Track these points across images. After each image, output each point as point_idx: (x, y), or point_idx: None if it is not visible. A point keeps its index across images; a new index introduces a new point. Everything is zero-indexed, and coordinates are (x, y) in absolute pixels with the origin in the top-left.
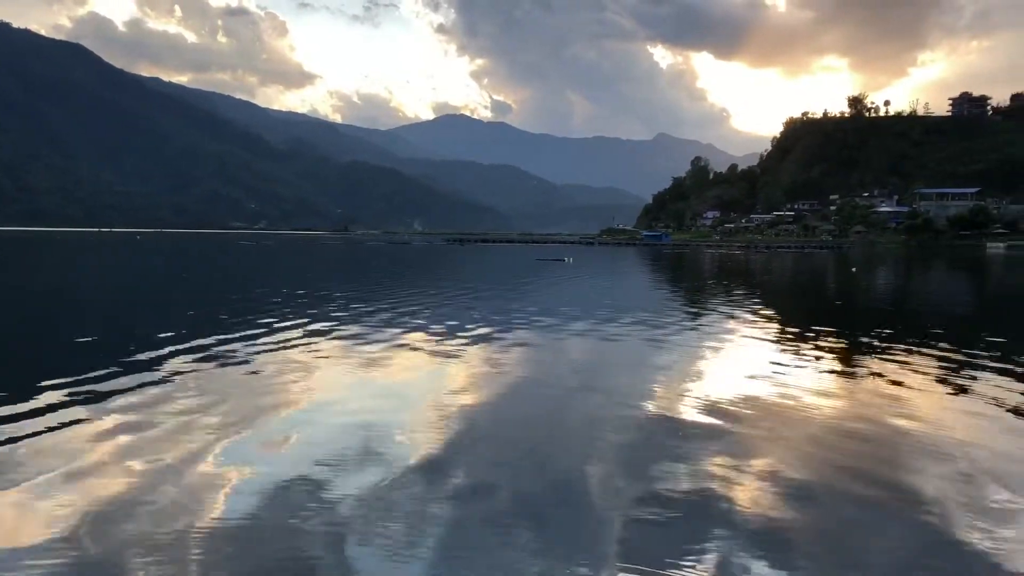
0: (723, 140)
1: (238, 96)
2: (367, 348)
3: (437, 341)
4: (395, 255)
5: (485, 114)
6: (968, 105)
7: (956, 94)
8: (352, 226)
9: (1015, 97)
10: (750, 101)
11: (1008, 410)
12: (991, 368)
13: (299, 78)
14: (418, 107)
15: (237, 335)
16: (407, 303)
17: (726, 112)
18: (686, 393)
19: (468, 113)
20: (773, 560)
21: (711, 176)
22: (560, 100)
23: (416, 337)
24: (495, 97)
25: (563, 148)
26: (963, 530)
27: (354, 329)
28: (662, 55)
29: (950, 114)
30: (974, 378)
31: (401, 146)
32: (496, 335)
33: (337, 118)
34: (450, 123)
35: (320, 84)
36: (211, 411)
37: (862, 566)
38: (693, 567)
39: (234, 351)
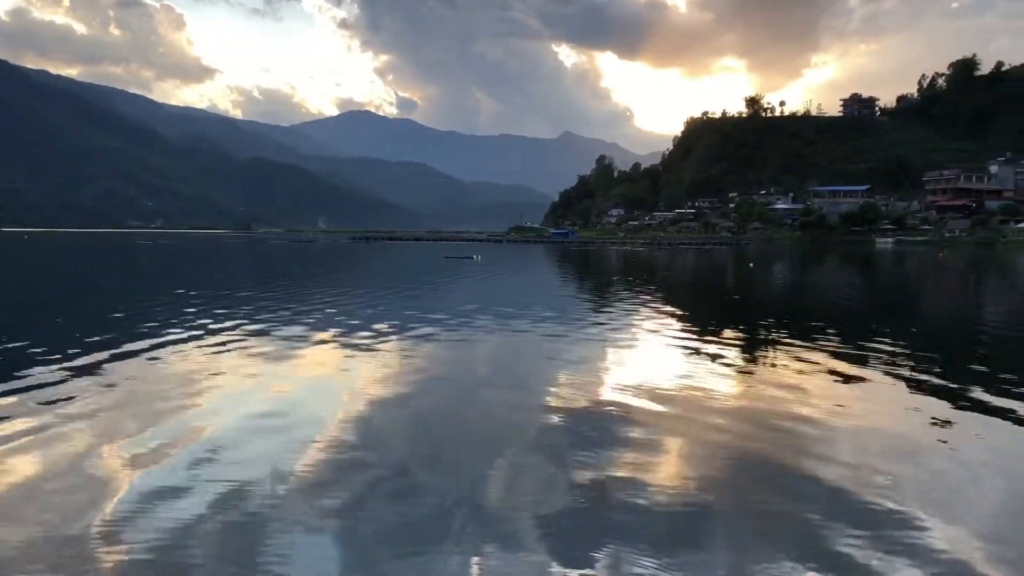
0: (627, 139)
1: (133, 91)
2: (271, 349)
3: (343, 341)
4: (299, 254)
5: (391, 111)
6: (858, 106)
7: (847, 95)
8: (254, 224)
9: (901, 98)
10: (653, 101)
11: (899, 394)
12: (881, 355)
13: (197, 72)
14: (322, 103)
15: (134, 338)
16: (311, 303)
17: (630, 111)
18: (592, 387)
19: (373, 110)
20: (677, 549)
21: (615, 174)
22: (466, 97)
23: (322, 337)
24: (401, 94)
25: (470, 145)
26: (859, 513)
27: (257, 330)
28: (567, 54)
29: (841, 114)
30: (865, 365)
31: (305, 143)
32: (403, 334)
33: (238, 114)
34: (355, 119)
35: (219, 79)
36: (105, 415)
37: (766, 553)
38: (601, 561)
39: (133, 353)
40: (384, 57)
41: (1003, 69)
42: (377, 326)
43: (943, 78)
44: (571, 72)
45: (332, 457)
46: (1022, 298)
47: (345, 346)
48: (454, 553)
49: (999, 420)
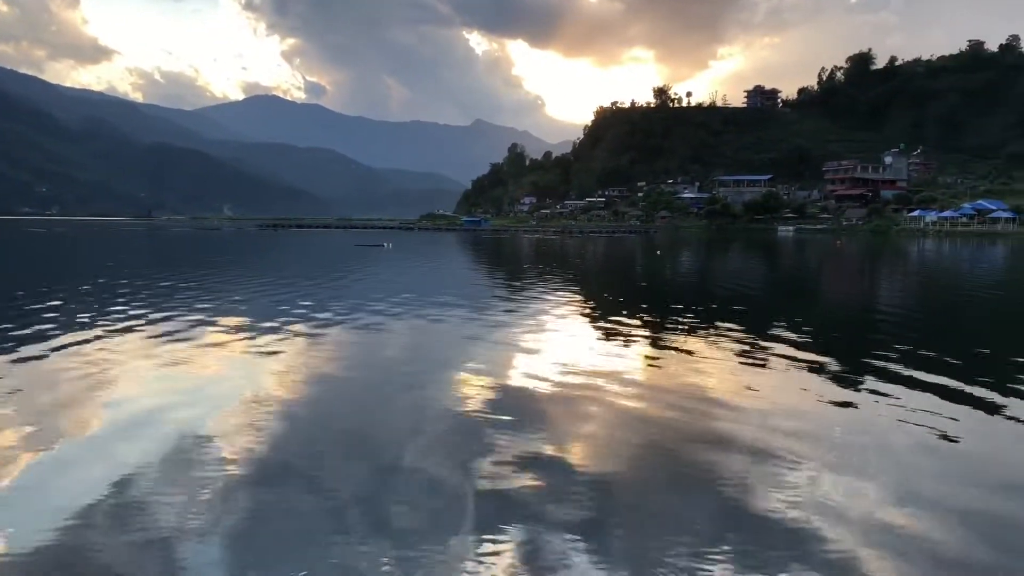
0: (538, 127)
1: (23, 71)
2: (172, 344)
3: (249, 333)
4: (203, 242)
5: (299, 95)
6: (761, 97)
7: (751, 87)
8: (156, 212)
9: (802, 91)
10: (564, 90)
11: (801, 375)
12: (784, 338)
13: (94, 53)
14: (227, 87)
15: (19, 333)
16: (214, 294)
17: (541, 100)
18: (505, 374)
19: (281, 94)
20: (583, 538)
21: (527, 163)
22: (376, 83)
23: (223, 330)
24: (309, 78)
25: (381, 132)
26: (765, 495)
27: (158, 323)
28: (478, 41)
29: (745, 105)
30: (769, 348)
31: (209, 127)
32: (309, 324)
33: (138, 97)
34: (262, 104)
35: (118, 60)
36: None
37: (676, 539)
38: (508, 552)
39: (15, 350)
40: (291, 41)
41: (896, 64)
42: (282, 316)
43: (841, 71)
44: (482, 60)
45: (228, 453)
46: (913, 282)
47: (248, 338)
48: (358, 544)
49: (895, 398)
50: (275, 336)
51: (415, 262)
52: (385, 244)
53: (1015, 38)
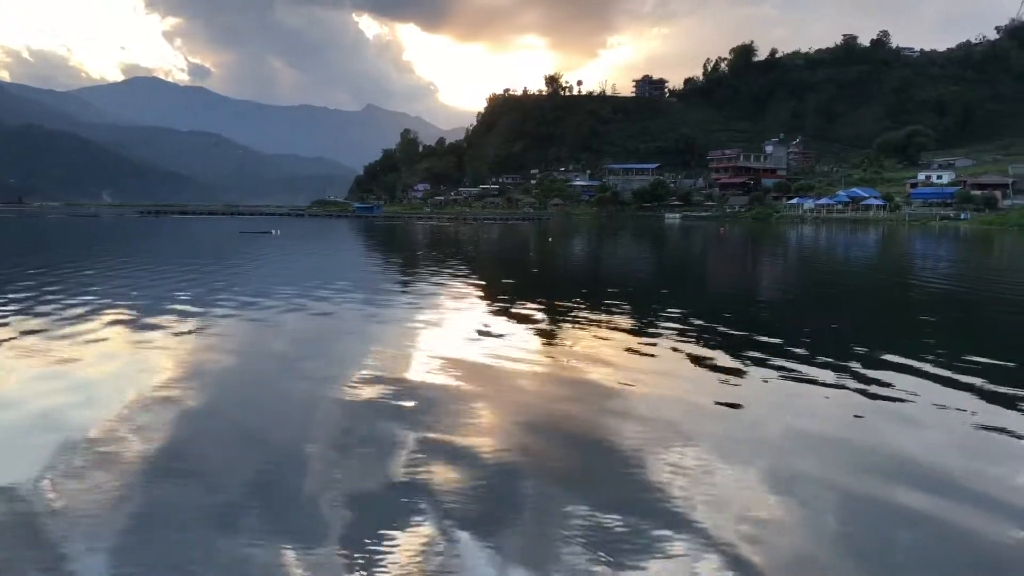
0: (431, 113)
1: None
2: (48, 340)
3: (131, 327)
4: (79, 230)
5: (182, 77)
6: (649, 87)
7: (640, 76)
8: (28, 198)
9: (688, 81)
10: (457, 75)
11: (688, 358)
12: (671, 323)
13: None
14: (104, 67)
15: None
16: (91, 286)
17: (433, 86)
18: (400, 362)
19: (162, 76)
20: (477, 529)
21: (421, 149)
22: (263, 66)
23: (104, 323)
24: (192, 60)
25: (269, 116)
26: (658, 477)
27: (33, 316)
28: (368, 24)
29: (634, 95)
30: (658, 333)
31: (85, 110)
32: (197, 317)
33: (4, 76)
34: (142, 86)
35: None
36: None
37: (566, 529)
38: (402, 543)
39: None
40: (173, 20)
41: (777, 56)
42: (165, 309)
43: (725, 63)
44: (373, 44)
45: (114, 453)
46: (791, 267)
47: (130, 332)
48: (248, 544)
49: (779, 380)
50: (159, 330)
51: (306, 250)
52: (273, 231)
53: (885, 33)
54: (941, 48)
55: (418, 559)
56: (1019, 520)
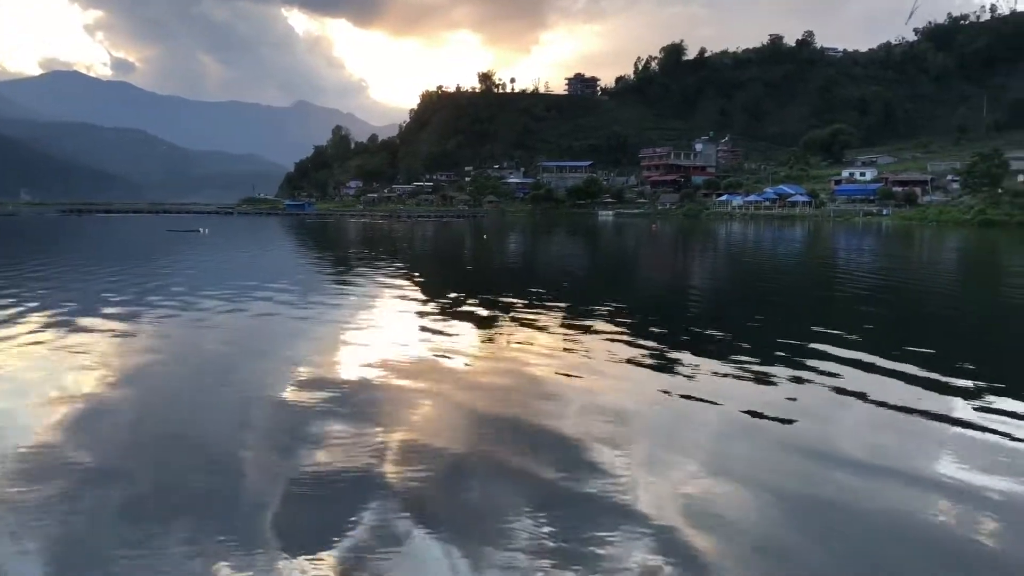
0: (363, 110)
1: None
2: None
3: (55, 330)
4: None
5: (104, 72)
6: (581, 85)
7: (572, 74)
8: None
9: (619, 79)
10: (389, 72)
11: (622, 356)
12: (606, 320)
13: None
14: (21, 61)
15: None
16: (13, 287)
17: (365, 82)
18: (336, 363)
19: (84, 70)
20: (423, 520)
21: (353, 146)
22: (190, 60)
23: (25, 325)
24: (115, 54)
25: (196, 112)
26: (598, 467)
27: None
28: (298, 19)
29: (567, 92)
30: (592, 330)
31: (1, 105)
32: (123, 319)
33: None
34: (62, 80)
35: None
36: None
37: (504, 524)
38: (349, 540)
39: None
40: (95, 13)
41: (706, 55)
42: (92, 310)
43: (656, 61)
44: (303, 39)
45: (40, 458)
46: (722, 263)
47: (53, 335)
48: (182, 548)
49: (710, 374)
50: (87, 333)
51: (237, 249)
52: (201, 230)
53: (810, 34)
54: (863, 49)
55: (362, 553)
56: (940, 495)
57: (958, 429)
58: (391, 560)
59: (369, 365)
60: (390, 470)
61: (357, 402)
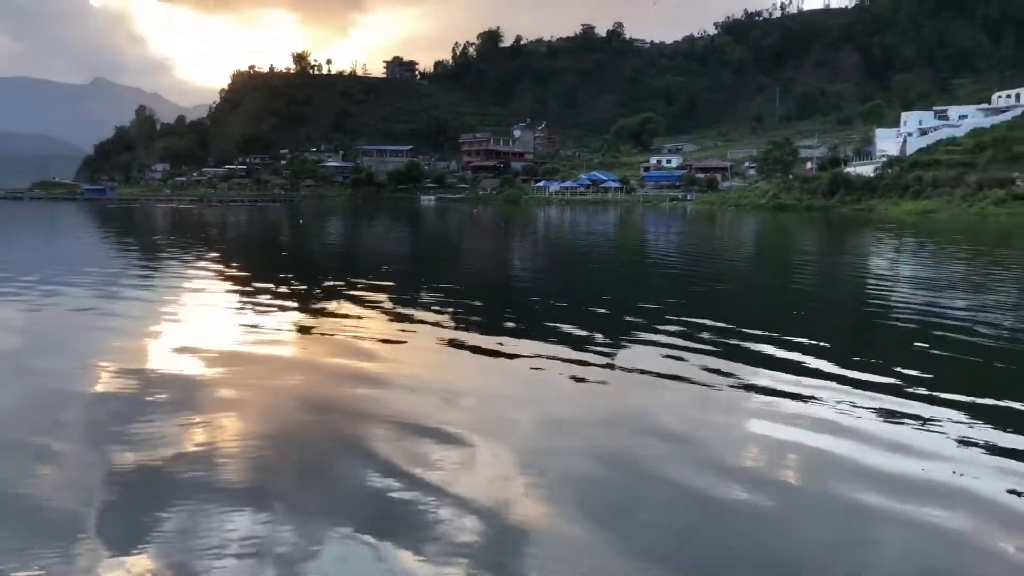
0: (170, 89)
1: None
2: None
3: None
4: None
5: None
6: (400, 68)
7: (391, 57)
8: None
9: (438, 64)
10: (198, 50)
11: (444, 342)
12: (430, 305)
13: None
14: None
15: None
16: None
17: (171, 61)
18: (144, 356)
19: None
20: (246, 510)
21: (159, 127)
22: None
23: None
24: None
25: None
26: (416, 457)
27: None
28: None
29: (385, 76)
30: (415, 317)
31: None
32: None
33: None
34: None
35: None
36: None
37: (321, 520)
38: (165, 538)
39: None
40: None
41: (522, 43)
42: None
43: (474, 47)
44: (100, 11)
45: None
46: (542, 248)
47: None
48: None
49: (533, 356)
50: None
51: (26, 237)
52: None
53: (620, 25)
54: (669, 41)
55: (180, 551)
56: (738, 474)
57: (758, 396)
58: (212, 554)
59: (180, 356)
60: (208, 463)
61: (168, 394)
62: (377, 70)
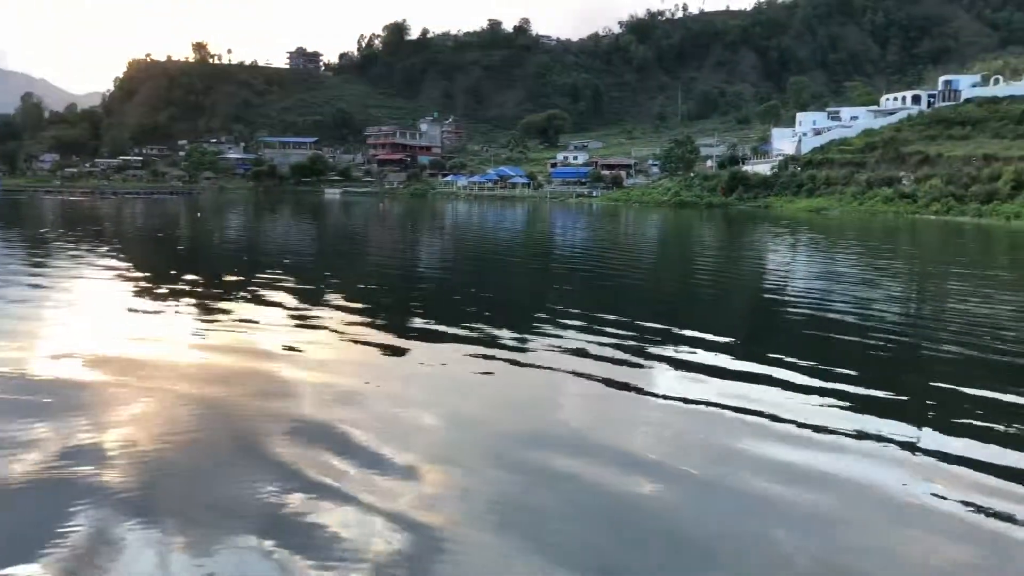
0: (60, 76)
1: None
2: None
3: None
4: None
5: None
6: (303, 59)
7: (294, 48)
8: None
9: (343, 56)
10: (91, 35)
11: (346, 337)
12: (332, 300)
13: None
14: None
15: None
16: None
17: (61, 45)
18: (32, 357)
19: None
20: (143, 518)
21: (48, 115)
22: None
23: None
24: None
25: None
26: (324, 446)
27: None
28: None
29: (288, 67)
30: (318, 313)
31: None
32: None
33: None
34: None
35: None
36: None
37: (228, 520)
38: (60, 547)
39: None
40: None
41: (428, 36)
42: None
43: (379, 40)
44: None
45: None
46: (450, 243)
47: None
48: None
49: (432, 353)
50: None
51: None
52: None
53: (526, 21)
54: (575, 38)
55: (76, 560)
56: (640, 470)
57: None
58: (97, 566)
59: (66, 360)
60: (95, 471)
61: (54, 399)
62: (280, 61)
